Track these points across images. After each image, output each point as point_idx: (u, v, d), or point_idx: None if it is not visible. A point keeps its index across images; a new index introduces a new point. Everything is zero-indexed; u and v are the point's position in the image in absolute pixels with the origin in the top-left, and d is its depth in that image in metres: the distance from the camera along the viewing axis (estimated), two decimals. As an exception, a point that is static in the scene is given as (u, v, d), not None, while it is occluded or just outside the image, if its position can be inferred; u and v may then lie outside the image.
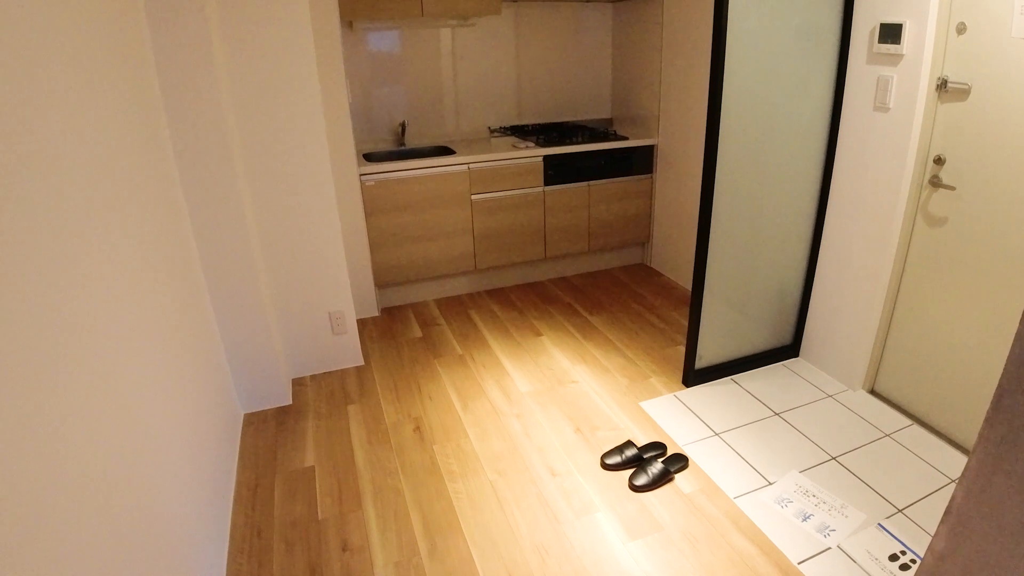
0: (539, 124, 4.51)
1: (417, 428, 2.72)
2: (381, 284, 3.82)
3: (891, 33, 2.43)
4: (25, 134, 1.11)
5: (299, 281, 2.94)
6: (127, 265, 1.57)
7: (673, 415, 2.76)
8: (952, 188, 2.41)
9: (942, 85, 2.38)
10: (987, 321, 2.36)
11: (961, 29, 2.28)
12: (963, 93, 2.32)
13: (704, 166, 2.61)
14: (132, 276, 1.59)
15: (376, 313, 3.83)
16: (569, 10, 4.35)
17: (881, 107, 2.54)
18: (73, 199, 1.28)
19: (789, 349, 3.20)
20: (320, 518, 2.23)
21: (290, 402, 2.92)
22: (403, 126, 4.06)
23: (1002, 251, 2.27)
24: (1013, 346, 0.97)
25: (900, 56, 2.43)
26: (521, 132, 4.36)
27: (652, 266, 4.54)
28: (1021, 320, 0.97)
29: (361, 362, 3.25)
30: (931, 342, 2.60)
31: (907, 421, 2.69)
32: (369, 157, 3.82)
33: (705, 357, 2.97)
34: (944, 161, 2.43)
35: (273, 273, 2.87)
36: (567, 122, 4.59)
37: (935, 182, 2.47)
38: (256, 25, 2.49)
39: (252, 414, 2.84)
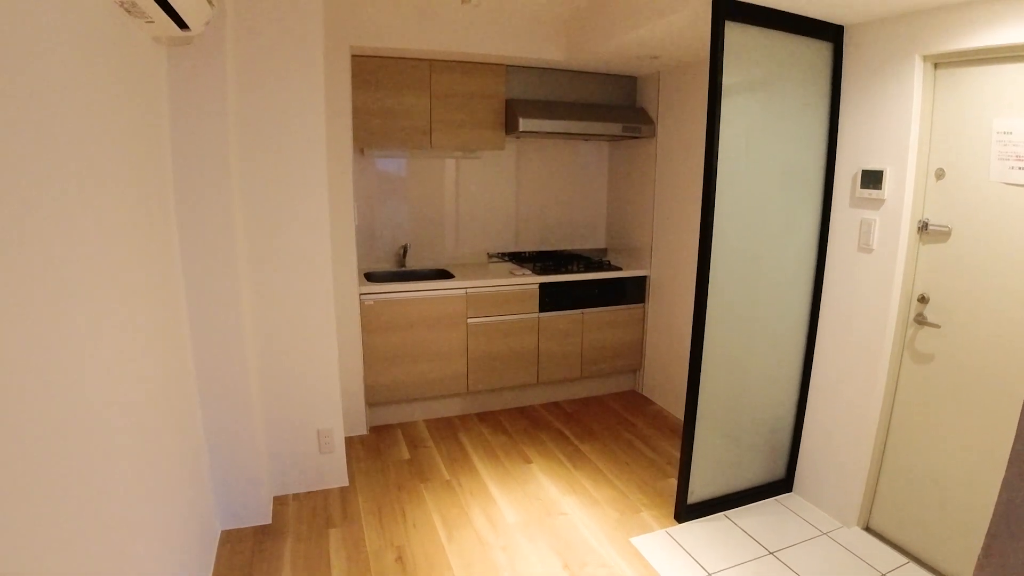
0: (536, 252, 4.65)
1: (399, 558, 2.61)
2: (372, 402, 3.79)
3: (873, 179, 2.57)
4: (31, 240, 1.15)
5: (291, 397, 2.92)
6: (122, 361, 1.57)
7: (665, 552, 2.67)
8: (937, 326, 2.47)
9: (923, 227, 2.49)
10: (977, 458, 2.35)
11: (940, 175, 2.42)
12: (944, 235, 2.43)
13: (695, 299, 2.68)
14: (124, 374, 1.59)
15: (364, 431, 3.78)
16: (568, 146, 4.61)
17: (865, 248, 2.65)
18: (79, 294, 1.31)
19: (782, 484, 3.14)
20: (291, 652, 2.10)
21: (270, 521, 2.82)
22: (405, 248, 4.19)
23: (988, 388, 2.29)
24: (1000, 492, 0.97)
25: (882, 200, 2.56)
26: (519, 259, 4.49)
27: (644, 393, 4.53)
28: (1007, 466, 0.98)
29: (346, 483, 3.16)
30: (923, 479, 2.57)
31: (903, 559, 2.60)
32: (370, 276, 3.91)
33: (697, 492, 2.91)
34: (928, 300, 2.50)
35: (266, 387, 2.86)
36: (563, 251, 4.74)
37: (920, 320, 2.53)
38: (274, 152, 2.64)
39: (230, 531, 2.73)
